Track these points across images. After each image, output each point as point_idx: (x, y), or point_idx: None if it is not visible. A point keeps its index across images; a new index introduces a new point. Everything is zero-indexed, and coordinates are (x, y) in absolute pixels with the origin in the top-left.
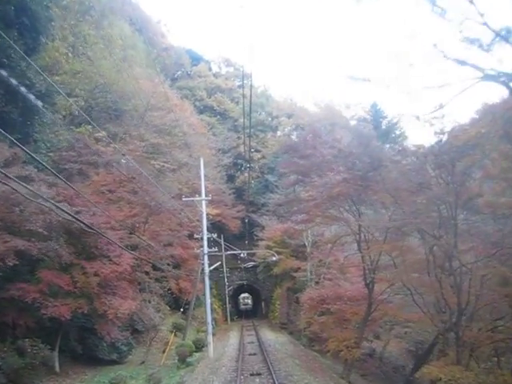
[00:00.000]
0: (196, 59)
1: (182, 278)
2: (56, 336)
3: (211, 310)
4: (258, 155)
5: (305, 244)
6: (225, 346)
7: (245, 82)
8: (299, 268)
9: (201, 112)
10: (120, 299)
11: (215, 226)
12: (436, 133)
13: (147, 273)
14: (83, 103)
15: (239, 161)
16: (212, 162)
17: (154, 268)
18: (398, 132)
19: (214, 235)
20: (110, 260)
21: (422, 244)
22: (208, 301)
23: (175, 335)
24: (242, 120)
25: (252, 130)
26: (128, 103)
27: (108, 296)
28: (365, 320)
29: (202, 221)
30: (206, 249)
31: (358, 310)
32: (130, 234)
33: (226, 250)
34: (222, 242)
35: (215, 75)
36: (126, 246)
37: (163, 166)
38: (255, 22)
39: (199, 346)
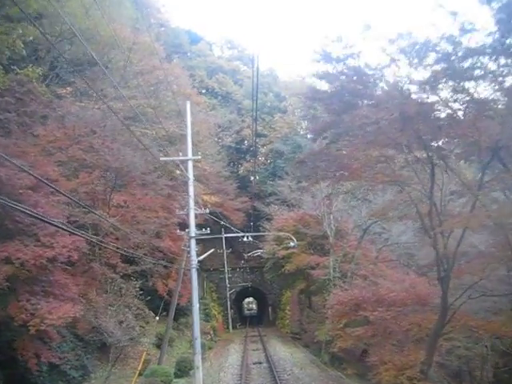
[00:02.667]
0: (195, 40)
1: (172, 278)
2: None
3: (209, 316)
4: (265, 140)
5: (325, 234)
6: (221, 368)
7: (251, 54)
8: (318, 264)
9: (200, 94)
10: (54, 302)
11: (214, 220)
12: None
13: (113, 266)
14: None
15: (243, 146)
16: (211, 140)
17: (129, 261)
18: None
19: (206, 210)
20: (38, 240)
21: None
22: (196, 306)
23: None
24: (245, 102)
25: (258, 112)
26: (103, 55)
27: (33, 296)
28: (435, 335)
29: (187, 190)
30: (192, 230)
31: (411, 319)
32: (84, 208)
33: (226, 232)
34: (223, 239)
35: (217, 58)
36: (78, 226)
37: (145, 133)
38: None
39: (185, 368)
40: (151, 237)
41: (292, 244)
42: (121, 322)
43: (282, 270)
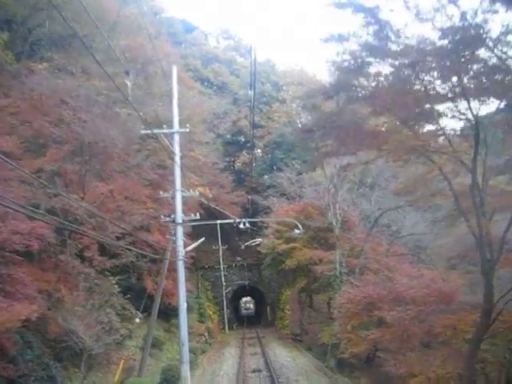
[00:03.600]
0: (190, 30)
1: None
2: None
3: (204, 317)
4: (262, 131)
5: (329, 226)
6: (215, 377)
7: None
8: (321, 259)
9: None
10: (4, 300)
11: (209, 214)
12: None
13: (89, 260)
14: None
15: (240, 138)
16: (205, 126)
17: (108, 254)
18: None
19: (195, 192)
20: None
21: None
22: (183, 305)
23: (150, 356)
24: (242, 92)
25: (255, 102)
26: (83, 26)
27: None
28: (477, 340)
29: (174, 169)
30: (179, 215)
31: (441, 320)
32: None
33: (219, 218)
34: (219, 234)
35: (213, 48)
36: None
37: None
38: None
39: (172, 378)
40: (137, 229)
41: (297, 232)
42: (101, 323)
43: (282, 266)
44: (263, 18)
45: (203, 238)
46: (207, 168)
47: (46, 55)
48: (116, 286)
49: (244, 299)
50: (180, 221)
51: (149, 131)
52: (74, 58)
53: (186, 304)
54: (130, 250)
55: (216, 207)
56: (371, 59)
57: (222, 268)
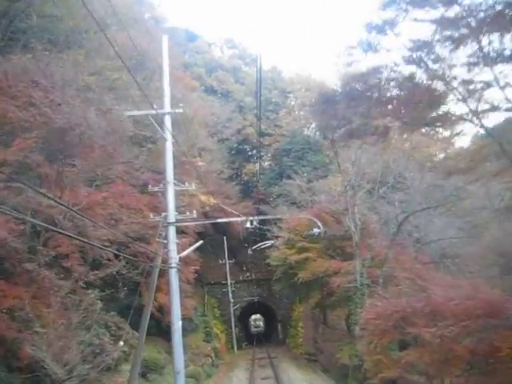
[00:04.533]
0: (193, 39)
1: (163, 291)
2: None
3: (211, 336)
4: (270, 140)
5: (346, 234)
6: None
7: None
8: (338, 271)
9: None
10: None
11: (215, 227)
12: None
13: (67, 270)
14: None
15: (246, 146)
16: (208, 130)
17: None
18: None
19: (191, 186)
20: None
21: None
22: (177, 324)
23: (148, 381)
24: (247, 100)
25: (261, 110)
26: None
27: None
28: None
29: (165, 157)
30: (172, 213)
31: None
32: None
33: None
34: (225, 246)
35: (217, 57)
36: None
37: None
38: None
39: None
40: (133, 239)
41: (317, 231)
42: (89, 345)
43: (295, 279)
44: (268, 25)
45: (201, 241)
46: (211, 176)
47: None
48: (100, 301)
49: (253, 317)
50: (173, 219)
51: (136, 112)
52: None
53: (181, 322)
54: (117, 255)
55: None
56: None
57: (228, 283)
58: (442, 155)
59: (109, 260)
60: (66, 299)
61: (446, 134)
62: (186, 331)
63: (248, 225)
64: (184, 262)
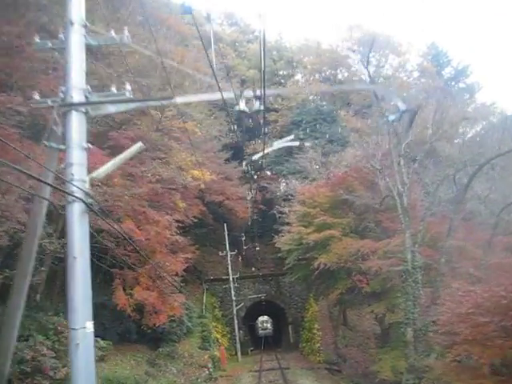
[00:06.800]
0: (189, 12)
1: (142, 285)
2: None
3: (209, 342)
4: (276, 116)
5: (384, 202)
6: None
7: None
8: (372, 253)
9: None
10: None
11: (213, 211)
12: None
13: None
14: None
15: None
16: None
17: None
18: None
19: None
20: None
21: None
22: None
23: None
24: (250, 73)
25: (266, 83)
26: None
27: None
28: None
29: None
30: (78, 85)
31: None
32: None
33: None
34: (226, 234)
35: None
36: None
37: None
38: None
39: None
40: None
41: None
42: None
43: (313, 266)
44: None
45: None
46: (207, 147)
47: None
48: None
49: (261, 318)
50: (79, 98)
51: None
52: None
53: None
54: None
55: None
56: None
57: (230, 278)
58: None
59: None
60: None
61: None
62: (174, 336)
63: (241, 106)
64: (170, 248)
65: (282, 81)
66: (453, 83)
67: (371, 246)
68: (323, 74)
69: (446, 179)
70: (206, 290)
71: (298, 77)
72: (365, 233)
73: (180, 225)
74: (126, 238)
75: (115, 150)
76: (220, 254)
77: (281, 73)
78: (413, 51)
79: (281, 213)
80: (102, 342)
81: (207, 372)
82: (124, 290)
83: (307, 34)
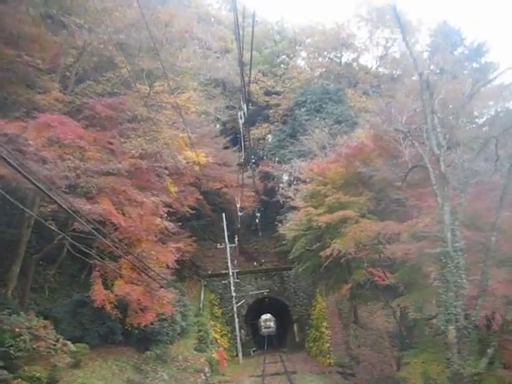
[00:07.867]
0: None
1: (125, 279)
2: None
3: (206, 343)
4: (278, 99)
5: (409, 171)
6: None
7: None
8: (397, 234)
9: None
10: None
11: (210, 200)
12: None
13: None
14: None
15: (248, 109)
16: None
17: None
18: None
19: None
20: None
21: None
22: None
23: None
24: (248, 55)
25: (266, 66)
26: None
27: None
28: None
29: None
30: None
31: None
32: None
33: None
34: (225, 227)
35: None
36: None
37: None
38: None
39: None
40: None
41: None
42: None
43: (327, 252)
44: None
45: None
46: (200, 125)
47: None
48: None
49: (263, 316)
50: None
51: None
52: None
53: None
54: None
55: None
56: None
57: (230, 272)
58: None
59: None
60: None
61: None
62: (166, 337)
63: None
64: (160, 237)
65: (283, 65)
66: (466, 63)
67: (395, 227)
68: (328, 56)
69: (489, 142)
70: (205, 286)
71: (301, 59)
72: (385, 213)
73: (171, 210)
74: (70, 211)
75: (93, 122)
76: (218, 246)
77: (282, 55)
78: (423, 29)
79: (285, 197)
80: (71, 346)
81: (203, 377)
82: (105, 284)
83: (311, 16)
